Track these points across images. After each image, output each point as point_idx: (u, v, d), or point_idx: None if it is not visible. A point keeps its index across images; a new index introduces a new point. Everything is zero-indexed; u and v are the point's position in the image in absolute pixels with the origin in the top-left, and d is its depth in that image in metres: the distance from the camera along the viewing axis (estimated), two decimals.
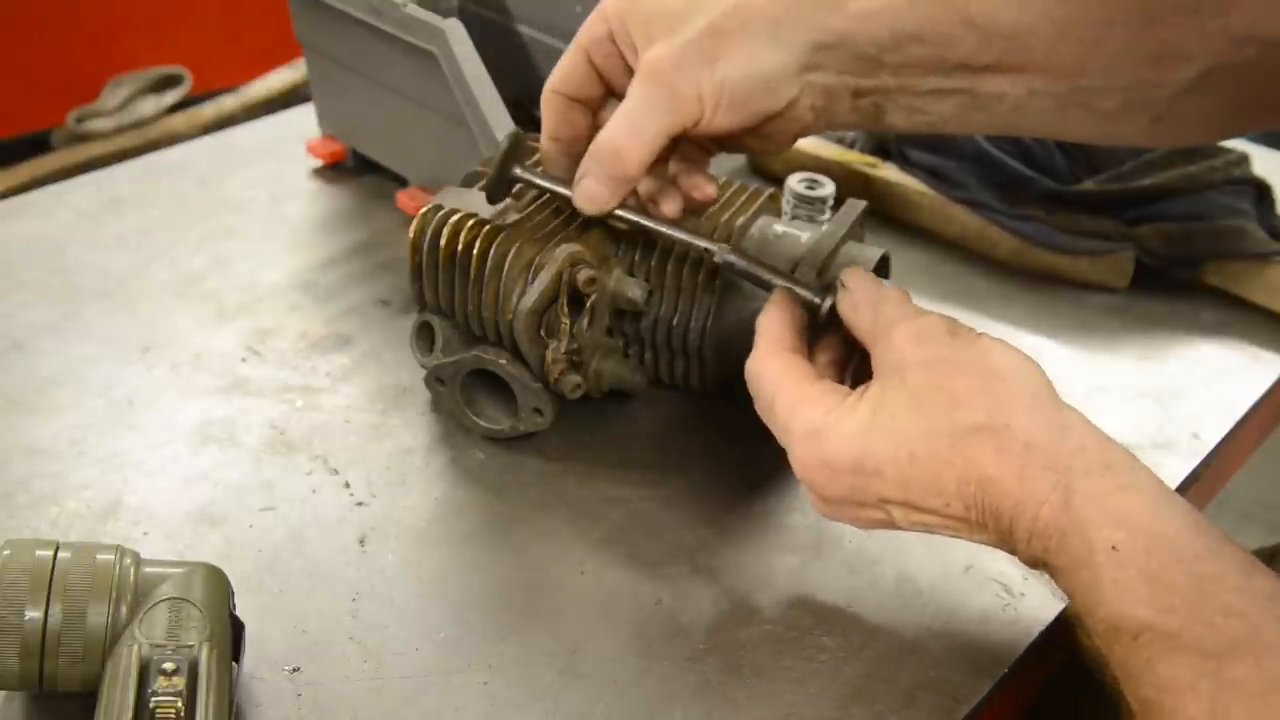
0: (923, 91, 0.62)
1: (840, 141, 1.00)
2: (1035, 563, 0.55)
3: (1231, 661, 0.47)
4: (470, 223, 0.67)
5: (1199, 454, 0.74)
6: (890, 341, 0.58)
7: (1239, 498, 2.11)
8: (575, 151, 0.66)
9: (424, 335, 0.71)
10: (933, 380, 0.56)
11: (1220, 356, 0.82)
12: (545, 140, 0.68)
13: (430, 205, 0.69)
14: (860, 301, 0.61)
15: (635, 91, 0.62)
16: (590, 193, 0.64)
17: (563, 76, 0.66)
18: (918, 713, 0.57)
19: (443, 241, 0.67)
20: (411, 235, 0.68)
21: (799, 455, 0.58)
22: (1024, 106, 0.62)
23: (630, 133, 0.62)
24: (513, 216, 0.68)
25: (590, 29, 0.64)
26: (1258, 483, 2.12)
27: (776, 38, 0.60)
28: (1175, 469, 0.72)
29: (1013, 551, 0.56)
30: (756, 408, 0.61)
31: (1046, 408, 0.55)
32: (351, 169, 0.99)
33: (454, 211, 0.68)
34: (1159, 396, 0.78)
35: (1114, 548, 0.51)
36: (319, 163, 1.00)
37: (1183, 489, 0.72)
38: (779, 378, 0.60)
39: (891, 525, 0.58)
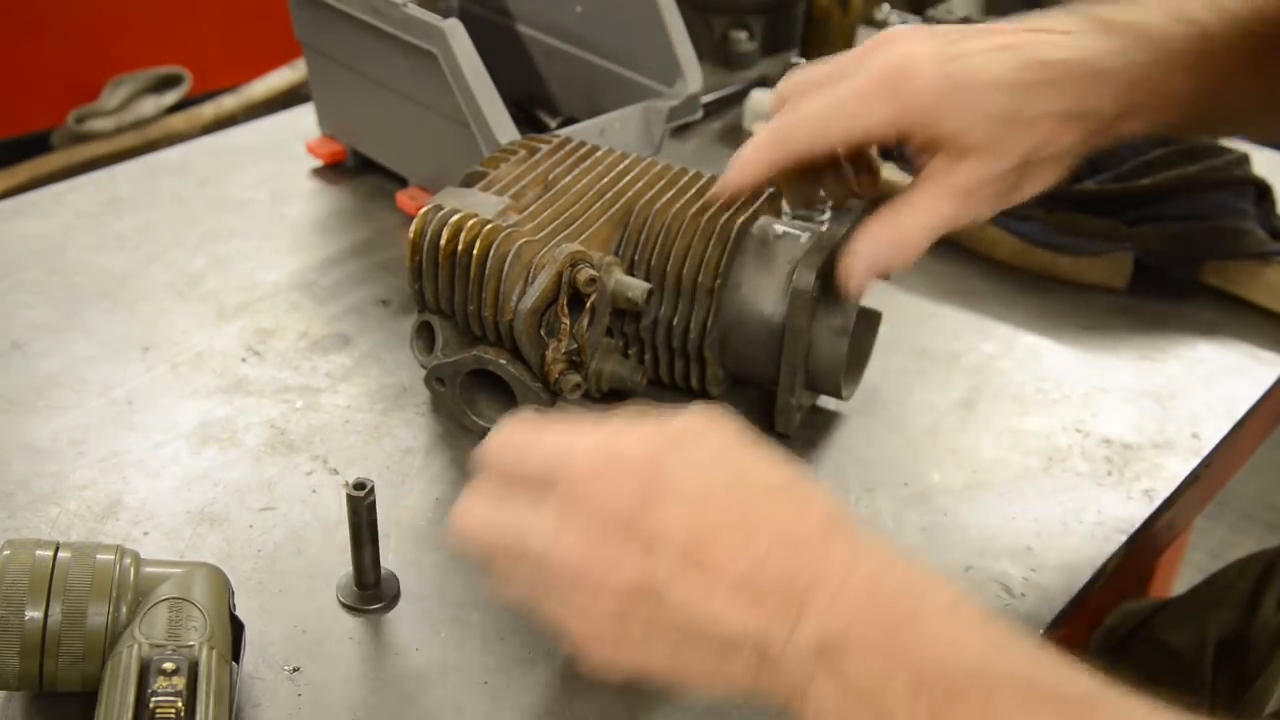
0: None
1: None
2: (821, 650, 0.45)
3: (1084, 710, 0.43)
4: (470, 223, 0.67)
5: (1199, 454, 0.74)
6: (674, 419, 0.51)
7: (1239, 498, 2.11)
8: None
9: (424, 335, 0.71)
10: (740, 444, 0.51)
11: (1220, 356, 0.82)
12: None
13: (430, 205, 0.69)
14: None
15: (946, 205, 0.65)
16: (871, 263, 0.65)
17: (807, 147, 0.66)
18: None
19: (443, 241, 0.67)
20: (411, 235, 0.68)
21: (580, 460, 0.49)
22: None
23: (929, 235, 0.65)
24: (513, 217, 0.68)
25: (876, 115, 0.64)
26: (1258, 483, 2.12)
27: (1076, 153, 0.66)
28: (1175, 469, 0.72)
29: (776, 654, 0.46)
30: (504, 455, 0.52)
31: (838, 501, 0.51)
32: (351, 169, 0.99)
33: (454, 211, 0.68)
34: (1159, 396, 0.78)
35: (950, 607, 0.46)
36: (319, 163, 1.00)
37: (1183, 489, 0.72)
38: (535, 424, 0.53)
39: (644, 596, 0.47)
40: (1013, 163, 0.64)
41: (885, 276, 0.67)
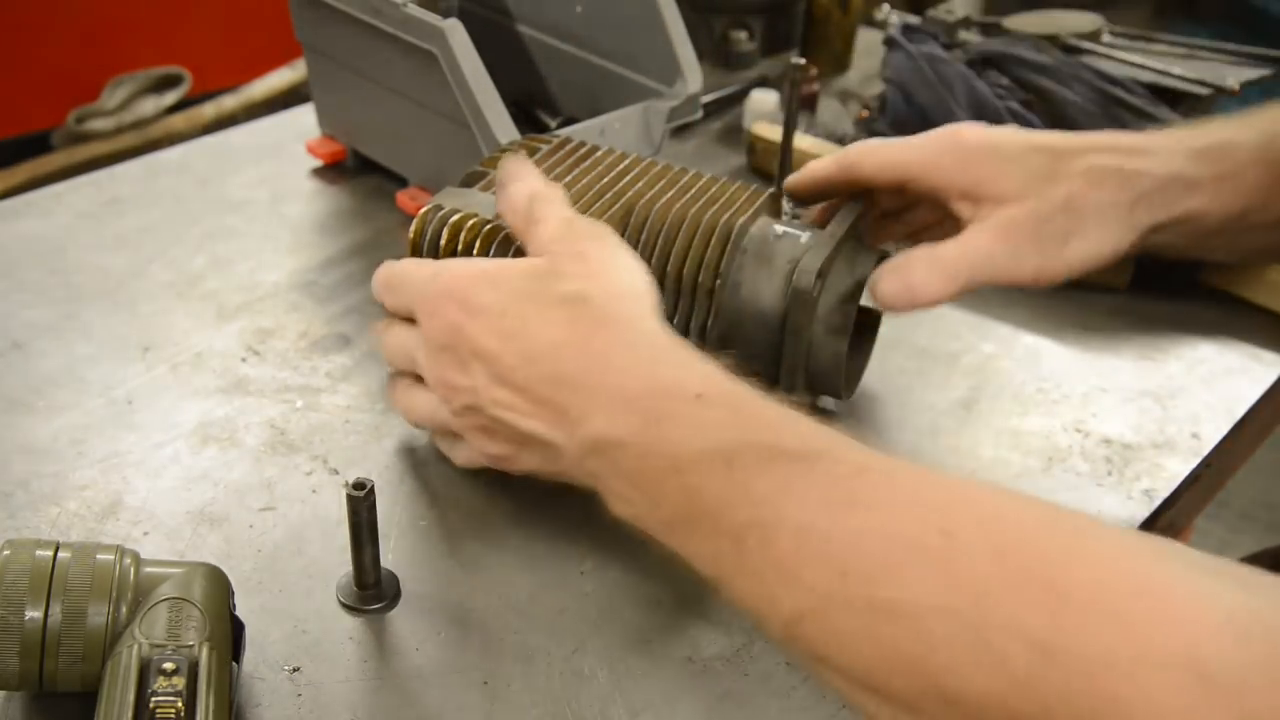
0: (1237, 248, 0.72)
1: (840, 141, 1.00)
2: (596, 446, 0.53)
3: (818, 460, 0.47)
4: (470, 222, 0.67)
5: (1199, 454, 0.74)
6: (550, 223, 0.61)
7: (1239, 498, 2.11)
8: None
9: None
10: (558, 260, 0.59)
11: (1220, 356, 0.82)
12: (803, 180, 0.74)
13: (430, 205, 0.69)
14: (517, 197, 0.63)
15: (984, 240, 0.66)
16: (919, 283, 0.66)
17: (857, 163, 0.71)
18: None
19: (443, 241, 0.67)
20: (411, 235, 0.68)
21: (421, 292, 0.60)
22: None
23: (968, 267, 0.66)
24: None
25: (918, 154, 0.69)
26: (1258, 483, 2.12)
27: (1130, 222, 0.66)
28: (1175, 469, 0.72)
29: (569, 452, 0.55)
30: (383, 290, 0.65)
31: (639, 301, 0.58)
32: (351, 169, 0.99)
33: (454, 211, 0.68)
34: (1159, 396, 0.78)
35: (699, 395, 0.52)
36: (319, 163, 1.00)
37: (1183, 489, 0.72)
38: (406, 262, 0.65)
39: (476, 406, 0.58)
40: (1052, 206, 0.65)
41: (920, 306, 0.67)
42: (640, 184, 0.72)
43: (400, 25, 0.83)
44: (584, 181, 0.72)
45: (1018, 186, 0.66)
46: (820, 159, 0.74)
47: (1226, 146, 0.69)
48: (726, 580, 0.49)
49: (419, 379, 0.64)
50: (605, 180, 0.72)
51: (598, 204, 0.70)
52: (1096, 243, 0.66)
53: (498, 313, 0.57)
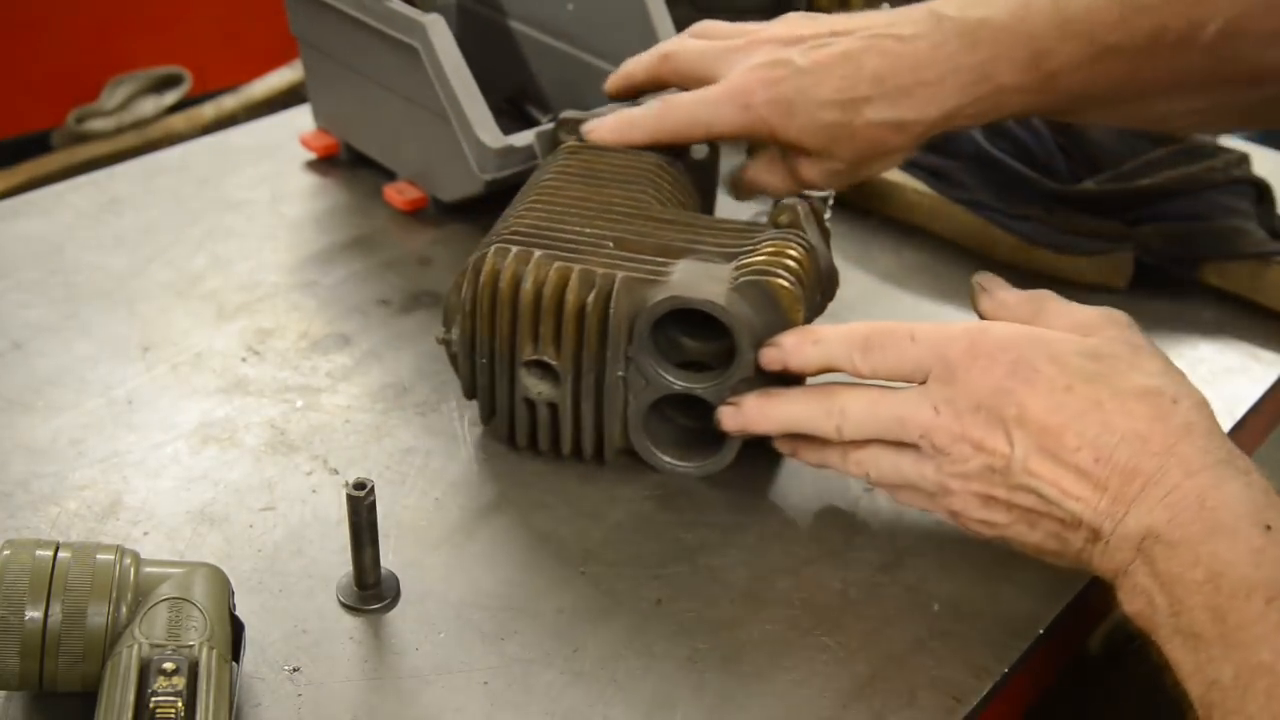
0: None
1: None
2: (1141, 539, 0.52)
3: None
4: (804, 262, 0.66)
5: None
6: (1070, 311, 0.61)
7: None
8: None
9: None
10: (1114, 345, 0.58)
11: (1220, 356, 0.82)
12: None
13: (766, 283, 0.64)
14: (1012, 299, 0.64)
15: (782, 178, 0.77)
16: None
17: (676, 135, 0.76)
18: (918, 713, 0.57)
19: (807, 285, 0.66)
20: (789, 299, 0.64)
21: (956, 347, 0.58)
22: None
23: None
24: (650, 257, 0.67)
25: (730, 122, 0.74)
26: None
27: (905, 149, 0.75)
28: None
29: (1105, 537, 0.54)
30: (871, 352, 0.61)
31: (1211, 412, 0.56)
32: (346, 163, 0.99)
33: (784, 269, 0.65)
34: None
35: (1269, 526, 0.51)
36: (315, 157, 1.00)
37: None
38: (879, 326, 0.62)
39: (1004, 471, 0.56)
40: (847, 163, 0.74)
41: None
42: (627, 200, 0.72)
43: (383, 19, 0.84)
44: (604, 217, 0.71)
45: (815, 144, 0.73)
46: (632, 134, 0.77)
47: (996, 58, 0.71)
48: (1212, 708, 0.49)
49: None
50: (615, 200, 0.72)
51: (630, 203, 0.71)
52: (883, 169, 0.77)
53: (1060, 387, 0.55)
